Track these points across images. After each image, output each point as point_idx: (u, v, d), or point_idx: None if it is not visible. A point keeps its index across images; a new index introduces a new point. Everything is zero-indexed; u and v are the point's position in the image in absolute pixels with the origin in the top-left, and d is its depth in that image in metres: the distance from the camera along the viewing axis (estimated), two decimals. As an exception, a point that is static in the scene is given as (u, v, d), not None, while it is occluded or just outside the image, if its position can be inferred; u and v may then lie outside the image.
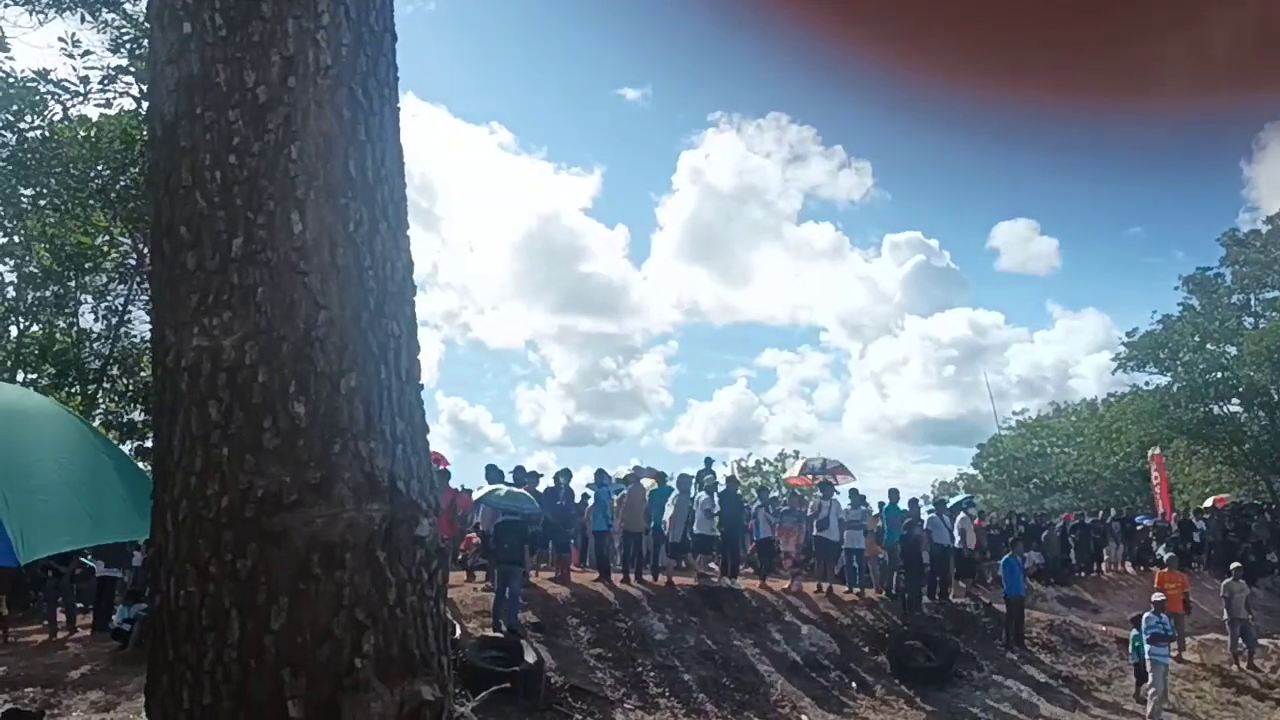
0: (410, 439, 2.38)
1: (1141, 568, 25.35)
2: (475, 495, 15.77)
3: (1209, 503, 31.44)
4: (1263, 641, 18.18)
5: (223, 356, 2.22)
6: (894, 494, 19.66)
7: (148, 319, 25.79)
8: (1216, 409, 39.09)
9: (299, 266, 2.25)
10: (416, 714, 2.23)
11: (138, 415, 26.88)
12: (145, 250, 22.68)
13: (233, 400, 2.21)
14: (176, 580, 2.22)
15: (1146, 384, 41.75)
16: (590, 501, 17.58)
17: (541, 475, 17.07)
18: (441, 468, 16.08)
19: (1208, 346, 38.35)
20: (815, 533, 18.12)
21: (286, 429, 2.20)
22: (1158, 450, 35.50)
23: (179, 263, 2.29)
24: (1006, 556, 18.40)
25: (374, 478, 2.26)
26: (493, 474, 16.07)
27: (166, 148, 2.36)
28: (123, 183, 18.08)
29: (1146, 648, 14.94)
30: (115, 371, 27.66)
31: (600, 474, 17.79)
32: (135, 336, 27.83)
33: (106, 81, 15.60)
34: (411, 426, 2.40)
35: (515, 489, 15.07)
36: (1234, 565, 19.00)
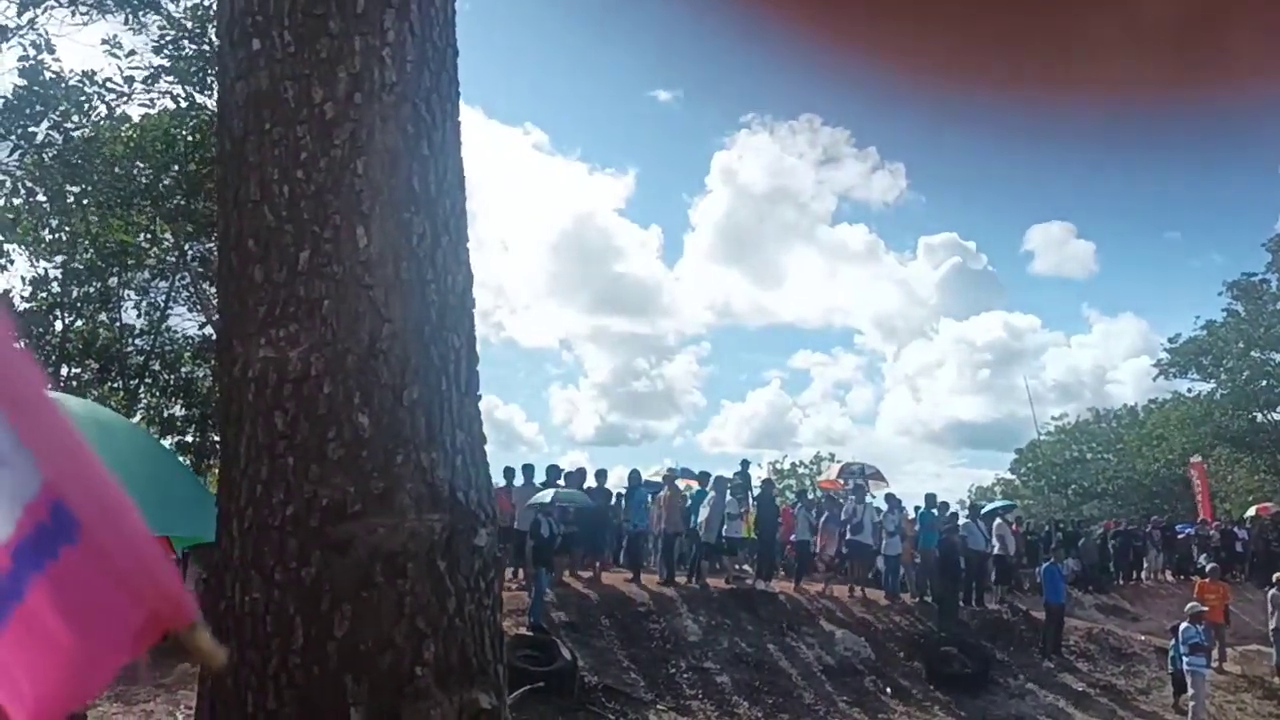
0: (469, 450, 2.42)
1: (1182, 576, 24.91)
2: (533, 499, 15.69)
3: (1252, 511, 30.77)
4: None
5: (289, 368, 2.27)
6: (930, 498, 19.49)
7: (189, 315, 26.24)
8: (1261, 417, 38.39)
9: (364, 280, 2.29)
10: (475, 722, 2.26)
11: (178, 410, 27.28)
12: (187, 248, 23.04)
13: (298, 411, 2.26)
14: (242, 586, 2.27)
15: (1189, 390, 41.15)
16: (625, 502, 17.58)
17: (585, 475, 17.11)
18: None
19: (1253, 353, 37.62)
20: (849, 536, 18.00)
21: (350, 440, 2.24)
22: (1198, 458, 34.89)
23: (246, 275, 2.34)
24: (1047, 564, 18.15)
25: (435, 488, 2.30)
26: (527, 472, 16.21)
27: (235, 162, 2.41)
28: (165, 181, 18.33)
29: (1185, 658, 14.71)
30: (156, 367, 28.07)
31: (635, 474, 17.77)
32: (176, 333, 28.25)
33: (150, 81, 15.89)
34: (470, 437, 2.43)
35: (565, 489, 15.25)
36: (1277, 576, 18.62)
